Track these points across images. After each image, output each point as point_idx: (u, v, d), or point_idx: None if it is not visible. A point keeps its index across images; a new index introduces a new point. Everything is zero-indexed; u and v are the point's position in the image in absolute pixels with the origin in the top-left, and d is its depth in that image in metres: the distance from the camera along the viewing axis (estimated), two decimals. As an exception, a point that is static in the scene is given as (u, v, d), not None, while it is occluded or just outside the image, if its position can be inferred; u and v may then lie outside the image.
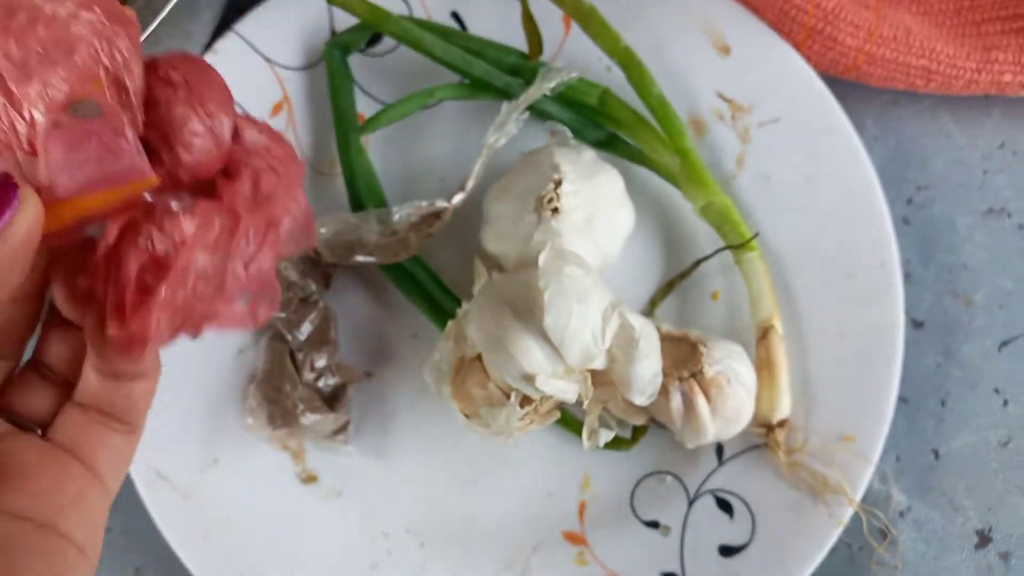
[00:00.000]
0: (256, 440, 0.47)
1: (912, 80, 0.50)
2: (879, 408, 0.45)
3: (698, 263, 0.48)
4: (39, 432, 0.29)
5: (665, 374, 0.42)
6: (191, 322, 0.28)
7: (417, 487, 0.47)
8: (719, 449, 0.46)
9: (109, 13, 0.27)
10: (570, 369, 0.40)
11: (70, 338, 0.30)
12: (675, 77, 0.49)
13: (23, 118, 0.26)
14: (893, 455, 0.48)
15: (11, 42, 0.26)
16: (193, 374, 0.47)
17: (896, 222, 0.47)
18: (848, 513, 0.43)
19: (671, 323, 0.46)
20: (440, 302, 0.47)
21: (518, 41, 0.48)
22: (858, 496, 0.44)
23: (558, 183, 0.44)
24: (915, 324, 0.49)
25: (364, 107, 0.50)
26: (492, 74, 0.48)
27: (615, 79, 0.48)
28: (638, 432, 0.46)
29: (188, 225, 0.28)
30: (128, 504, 0.46)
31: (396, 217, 0.45)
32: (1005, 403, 0.49)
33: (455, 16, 0.51)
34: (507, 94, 0.48)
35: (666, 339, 0.44)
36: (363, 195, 0.48)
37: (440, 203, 0.45)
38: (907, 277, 0.49)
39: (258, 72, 0.50)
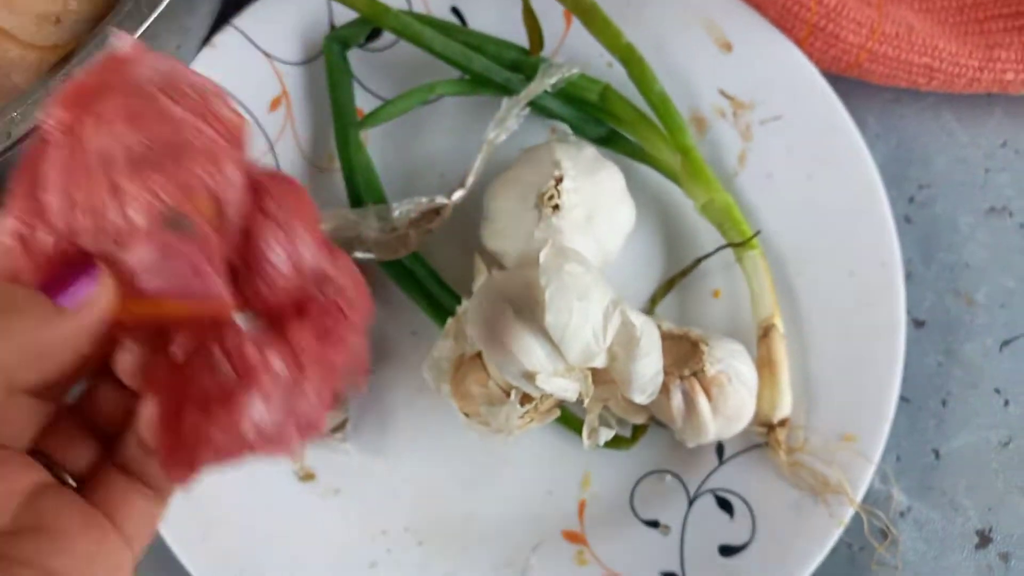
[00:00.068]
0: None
1: (914, 78, 0.49)
2: (880, 407, 0.44)
3: (699, 261, 0.47)
4: (75, 485, 0.29)
5: (666, 372, 0.42)
6: (236, 454, 0.28)
7: (416, 485, 0.47)
8: (719, 448, 0.46)
9: (228, 135, 0.28)
10: (571, 367, 0.40)
11: (121, 399, 0.30)
12: (676, 74, 0.49)
13: (123, 213, 0.26)
14: (894, 455, 0.48)
15: (136, 136, 0.26)
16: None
17: (898, 221, 0.47)
18: (849, 513, 0.43)
19: (672, 321, 0.46)
20: (439, 299, 0.47)
21: (519, 37, 0.48)
22: (859, 496, 0.43)
23: (559, 180, 0.44)
24: (916, 323, 0.49)
25: (363, 102, 0.50)
26: (492, 70, 0.48)
27: (616, 75, 0.48)
28: (638, 431, 0.46)
29: (254, 358, 0.28)
30: (124, 501, 0.45)
31: (396, 213, 0.45)
32: (1006, 403, 0.48)
33: (455, 11, 0.50)
34: (507, 90, 0.47)
35: (667, 337, 0.44)
36: (362, 191, 0.48)
37: (440, 199, 0.45)
38: (908, 276, 0.48)
39: (257, 67, 0.49)
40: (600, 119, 0.49)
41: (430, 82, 0.48)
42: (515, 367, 0.39)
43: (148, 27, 0.39)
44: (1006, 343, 0.49)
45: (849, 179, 0.47)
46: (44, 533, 0.26)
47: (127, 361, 0.28)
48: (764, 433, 0.44)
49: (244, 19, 0.49)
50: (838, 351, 0.46)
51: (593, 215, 0.44)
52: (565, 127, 0.48)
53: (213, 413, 0.27)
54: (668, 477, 0.46)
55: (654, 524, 0.45)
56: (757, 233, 0.46)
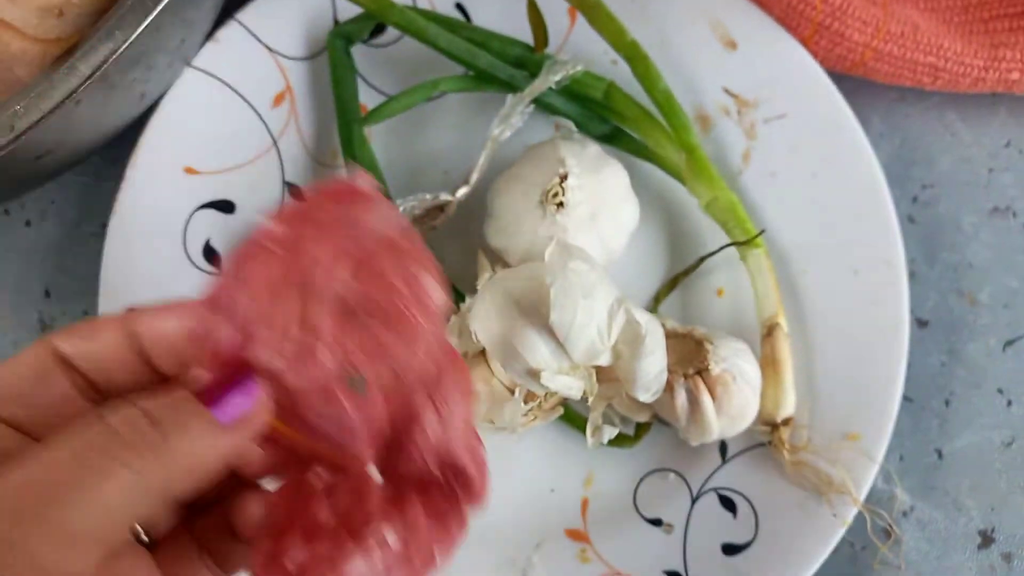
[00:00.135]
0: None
1: (919, 77, 0.49)
2: (884, 407, 0.44)
3: (703, 259, 0.47)
4: (148, 543, 0.29)
5: (670, 371, 0.42)
6: None
7: (418, 483, 0.47)
8: (723, 447, 0.46)
9: (429, 312, 0.28)
10: (575, 365, 0.40)
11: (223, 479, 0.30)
12: (681, 72, 0.49)
13: (311, 347, 0.27)
14: (897, 454, 0.48)
15: (349, 283, 0.27)
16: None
17: (901, 220, 0.46)
18: (852, 512, 0.43)
19: (675, 319, 0.46)
20: (443, 296, 0.46)
21: (523, 33, 0.48)
22: (862, 495, 0.43)
23: (564, 177, 0.44)
24: (920, 323, 0.49)
25: (367, 98, 0.50)
26: (497, 66, 0.48)
27: (620, 73, 0.48)
28: (641, 429, 0.46)
29: (371, 523, 0.28)
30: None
31: (400, 210, 0.44)
32: (1009, 403, 0.48)
33: (459, 7, 0.50)
34: (512, 86, 0.47)
35: (671, 336, 0.43)
36: (365, 187, 0.47)
37: (444, 196, 0.45)
38: (912, 276, 0.48)
39: (260, 61, 0.49)
40: (604, 116, 0.49)
41: (434, 78, 0.48)
42: (520, 365, 0.39)
43: (152, 20, 0.38)
44: (1009, 343, 0.49)
45: (853, 178, 0.47)
46: None
47: (255, 509, 0.29)
48: (768, 432, 0.44)
49: (248, 14, 0.49)
50: (842, 350, 0.45)
51: (597, 213, 0.44)
52: (569, 124, 0.48)
53: (317, 556, 0.28)
54: (671, 475, 0.46)
55: (657, 523, 0.45)
56: (762, 232, 0.46)
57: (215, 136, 0.48)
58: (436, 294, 0.29)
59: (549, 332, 0.39)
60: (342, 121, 0.48)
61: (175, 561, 0.29)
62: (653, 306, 0.48)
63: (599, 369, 0.41)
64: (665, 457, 0.46)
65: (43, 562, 0.23)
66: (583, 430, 0.42)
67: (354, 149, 0.48)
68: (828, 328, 0.46)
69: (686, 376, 0.42)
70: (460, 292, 0.46)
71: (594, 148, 0.46)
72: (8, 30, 0.39)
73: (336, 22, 0.50)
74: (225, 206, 0.48)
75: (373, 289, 0.28)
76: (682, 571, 0.44)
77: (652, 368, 0.40)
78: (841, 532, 0.43)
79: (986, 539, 0.47)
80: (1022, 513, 0.47)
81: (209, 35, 0.48)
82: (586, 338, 0.39)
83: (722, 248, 0.46)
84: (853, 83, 0.49)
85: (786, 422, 0.44)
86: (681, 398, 0.42)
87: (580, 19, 0.48)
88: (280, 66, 0.49)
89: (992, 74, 0.49)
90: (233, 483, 0.29)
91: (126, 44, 0.38)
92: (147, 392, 0.26)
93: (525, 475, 0.47)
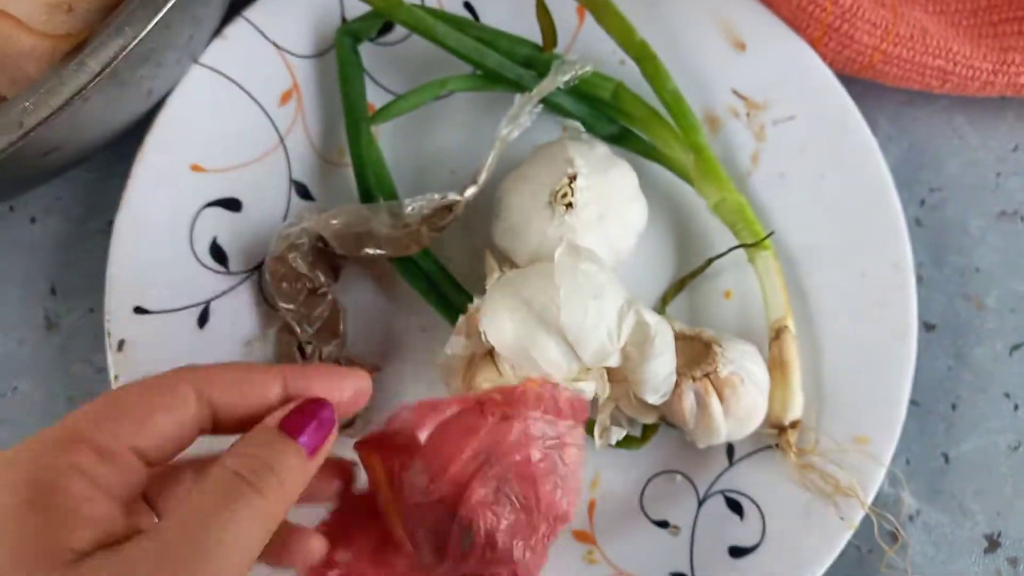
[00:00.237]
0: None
1: (928, 80, 0.49)
2: (892, 410, 0.44)
3: (711, 261, 0.47)
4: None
5: (678, 373, 0.42)
6: None
7: (423, 483, 0.47)
8: (730, 449, 0.46)
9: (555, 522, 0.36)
10: (584, 366, 0.40)
11: None
12: (689, 73, 0.49)
13: (463, 490, 0.34)
14: (903, 458, 0.47)
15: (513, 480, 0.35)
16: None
17: (908, 223, 0.46)
18: (859, 516, 0.43)
19: (682, 321, 0.46)
20: (450, 296, 0.46)
21: (532, 32, 0.48)
22: (869, 499, 0.43)
23: (572, 178, 0.44)
24: (927, 327, 0.49)
25: (374, 97, 0.50)
26: (505, 66, 0.47)
27: (629, 73, 0.48)
28: (648, 431, 0.46)
29: None
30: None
31: (408, 210, 0.44)
32: (1016, 407, 0.48)
33: (468, 6, 0.50)
34: (520, 86, 0.47)
35: (680, 338, 0.43)
36: (373, 186, 0.47)
37: (452, 196, 0.45)
38: (919, 279, 0.48)
39: (267, 59, 0.49)
40: (612, 117, 0.48)
41: (442, 77, 0.48)
42: (530, 366, 0.39)
43: (162, 17, 0.38)
44: (1016, 347, 0.49)
45: (861, 180, 0.47)
46: None
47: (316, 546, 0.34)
48: (775, 435, 0.44)
49: (255, 11, 0.49)
50: (850, 353, 0.45)
51: (605, 214, 0.44)
52: (577, 124, 0.48)
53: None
54: (678, 477, 0.46)
55: (664, 524, 0.45)
56: (770, 234, 0.46)
57: (222, 134, 0.48)
58: (565, 519, 0.35)
59: (559, 333, 0.39)
60: (349, 119, 0.48)
61: None
62: (660, 307, 0.48)
63: (607, 370, 0.41)
64: (672, 459, 0.46)
65: None
66: (589, 432, 0.42)
67: (361, 148, 0.48)
68: (836, 331, 0.46)
69: (695, 379, 0.42)
70: (467, 292, 0.46)
71: (602, 148, 0.46)
72: (17, 25, 0.39)
73: (344, 20, 0.50)
74: (232, 204, 0.48)
75: (525, 487, 0.34)
76: (689, 573, 0.44)
77: (661, 370, 0.40)
78: (848, 535, 0.43)
79: (992, 543, 0.47)
80: (1028, 517, 0.47)
81: (217, 32, 0.48)
82: (596, 340, 0.39)
83: (730, 250, 0.46)
84: (861, 86, 0.49)
85: (794, 425, 0.44)
86: (689, 400, 0.42)
87: (589, 18, 0.48)
88: (287, 64, 0.49)
89: (1001, 78, 0.49)
90: None
91: (136, 41, 0.38)
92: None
93: (531, 476, 0.46)
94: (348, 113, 0.48)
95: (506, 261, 0.45)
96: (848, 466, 0.43)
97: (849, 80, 0.48)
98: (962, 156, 0.51)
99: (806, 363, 0.45)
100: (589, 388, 0.39)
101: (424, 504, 0.35)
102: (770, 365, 0.44)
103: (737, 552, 0.44)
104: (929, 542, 0.47)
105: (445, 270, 0.47)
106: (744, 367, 0.43)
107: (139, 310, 0.46)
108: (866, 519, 0.43)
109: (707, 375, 0.42)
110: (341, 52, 0.49)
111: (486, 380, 0.42)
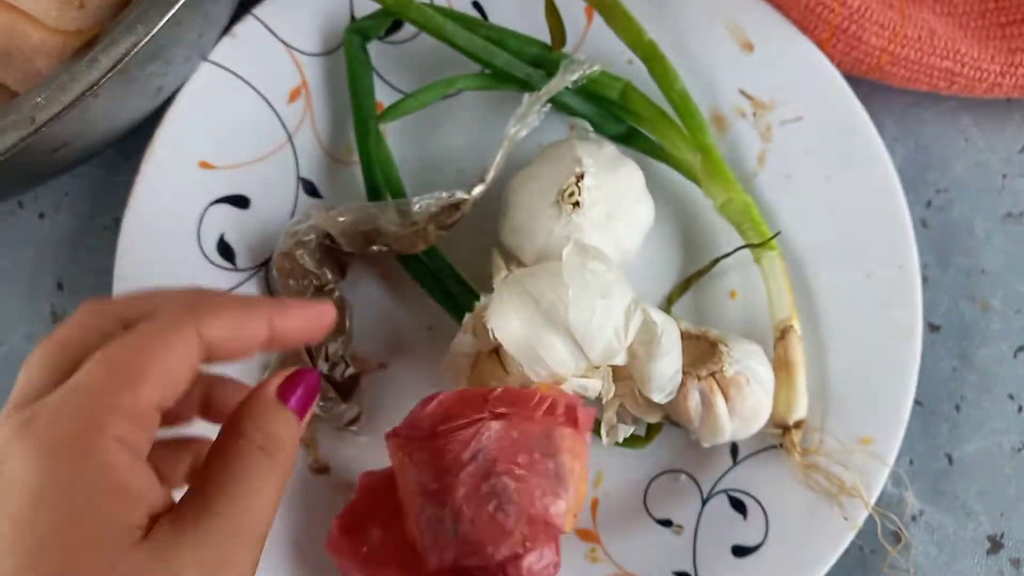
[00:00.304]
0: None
1: (935, 82, 0.49)
2: (896, 410, 0.44)
3: (717, 261, 0.47)
4: None
5: (683, 372, 0.42)
6: None
7: (429, 480, 0.47)
8: (734, 449, 0.46)
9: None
10: (591, 365, 0.40)
11: None
12: (697, 73, 0.49)
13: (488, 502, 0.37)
14: (907, 459, 0.48)
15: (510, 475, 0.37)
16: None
17: (914, 224, 0.46)
18: (863, 516, 0.43)
19: (688, 321, 0.46)
20: (457, 295, 0.46)
21: (540, 32, 0.48)
22: (873, 499, 0.43)
23: (580, 177, 0.44)
24: (931, 328, 0.49)
25: (383, 95, 0.50)
26: (514, 65, 0.48)
27: (637, 73, 0.48)
28: (653, 430, 0.46)
29: None
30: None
31: (416, 208, 0.44)
32: (1020, 409, 0.48)
33: (476, 5, 0.50)
34: (528, 85, 0.47)
35: (685, 337, 0.43)
36: (381, 184, 0.47)
37: (460, 194, 0.45)
38: (924, 280, 0.48)
39: (276, 57, 0.49)
40: (620, 116, 0.49)
41: (451, 76, 0.48)
42: (537, 364, 0.39)
43: (173, 14, 0.38)
44: (1021, 349, 0.49)
45: (868, 181, 0.47)
46: None
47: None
48: (779, 434, 0.44)
49: (265, 9, 0.49)
50: (855, 353, 0.45)
51: (613, 213, 0.44)
52: (585, 124, 0.48)
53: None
54: (682, 477, 0.46)
55: (667, 523, 0.45)
56: (777, 234, 0.46)
57: (230, 131, 0.48)
58: (559, 520, 0.38)
59: (567, 332, 0.39)
60: (358, 118, 0.48)
61: None
62: (666, 307, 0.48)
63: (613, 369, 0.41)
64: (676, 458, 0.46)
65: None
66: (596, 431, 0.42)
67: (369, 146, 0.48)
68: (841, 331, 0.46)
69: (699, 377, 0.42)
70: (474, 290, 0.46)
71: (610, 148, 0.46)
72: (29, 21, 0.39)
73: (353, 18, 0.50)
74: (239, 201, 0.48)
75: (519, 483, 0.37)
76: (692, 572, 0.44)
77: (668, 369, 0.40)
78: (851, 535, 0.43)
79: (995, 544, 0.47)
80: (1031, 519, 0.47)
81: (226, 30, 0.48)
82: (603, 338, 0.39)
83: (736, 250, 0.46)
84: (868, 87, 0.49)
85: (798, 425, 0.44)
86: (694, 399, 0.42)
87: (597, 18, 0.48)
88: (296, 61, 0.49)
89: (1008, 79, 0.49)
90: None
91: (148, 37, 0.38)
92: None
93: (536, 474, 0.47)
94: (356, 111, 0.49)
95: (513, 260, 0.46)
96: (852, 466, 0.44)
97: (856, 81, 0.49)
98: (969, 158, 0.51)
99: (811, 363, 0.45)
100: (595, 386, 0.40)
101: (427, 493, 0.38)
102: (775, 365, 0.44)
103: (740, 551, 0.44)
104: (932, 543, 0.47)
105: (452, 268, 0.47)
106: (749, 367, 0.43)
107: (147, 306, 0.46)
108: (869, 519, 0.43)
109: (712, 374, 0.42)
110: (350, 50, 0.49)
111: (493, 379, 0.42)
